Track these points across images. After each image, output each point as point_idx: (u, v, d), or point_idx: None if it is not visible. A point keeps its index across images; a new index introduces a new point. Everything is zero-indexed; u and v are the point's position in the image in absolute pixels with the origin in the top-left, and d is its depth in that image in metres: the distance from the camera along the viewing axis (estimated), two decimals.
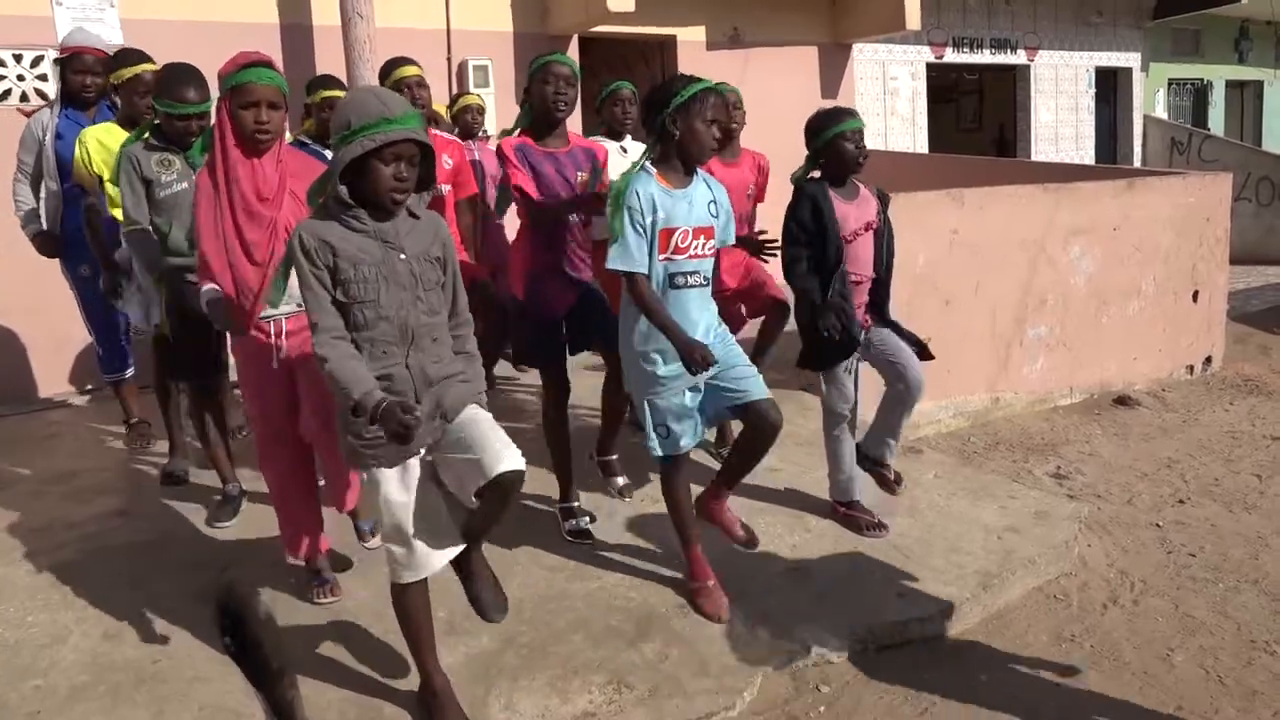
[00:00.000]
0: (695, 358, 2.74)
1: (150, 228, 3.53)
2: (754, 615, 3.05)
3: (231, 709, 2.57)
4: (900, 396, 3.61)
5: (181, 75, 3.43)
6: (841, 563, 3.42)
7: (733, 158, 4.13)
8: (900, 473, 3.79)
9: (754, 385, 2.94)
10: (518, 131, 3.51)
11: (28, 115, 4.63)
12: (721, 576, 3.16)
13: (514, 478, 2.26)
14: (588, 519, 3.59)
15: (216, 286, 2.92)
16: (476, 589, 2.53)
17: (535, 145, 3.42)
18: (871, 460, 3.72)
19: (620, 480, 3.83)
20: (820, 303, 3.39)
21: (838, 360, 3.56)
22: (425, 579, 2.45)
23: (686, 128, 2.86)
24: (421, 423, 2.17)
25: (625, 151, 3.98)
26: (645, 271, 2.87)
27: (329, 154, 3.80)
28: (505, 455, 2.25)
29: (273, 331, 2.95)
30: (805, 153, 3.56)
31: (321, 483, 3.23)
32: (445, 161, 3.89)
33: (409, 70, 3.96)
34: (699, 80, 2.90)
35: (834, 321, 3.36)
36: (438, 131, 4.15)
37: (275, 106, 2.86)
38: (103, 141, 4.05)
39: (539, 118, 3.44)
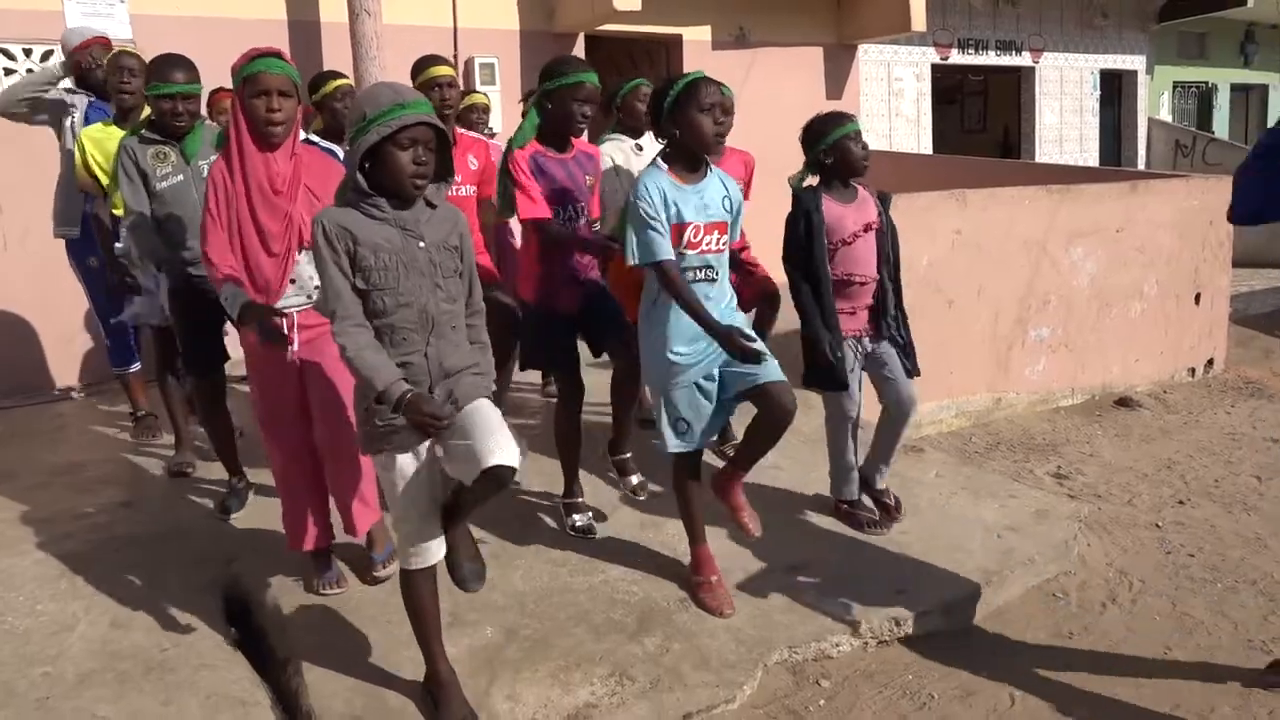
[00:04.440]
0: (734, 339, 2.76)
1: (149, 216, 3.56)
2: (755, 611, 3.08)
3: (238, 697, 2.60)
4: (891, 415, 3.66)
5: (170, 59, 3.53)
6: (842, 559, 3.44)
7: (719, 157, 4.12)
8: (900, 499, 3.80)
9: (767, 368, 2.91)
10: (531, 140, 3.43)
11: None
12: (723, 572, 3.19)
13: (506, 472, 2.25)
14: (591, 515, 3.61)
15: (236, 286, 2.87)
16: (456, 558, 2.51)
17: (547, 155, 3.38)
18: (866, 484, 3.76)
19: (634, 479, 3.80)
20: (820, 340, 3.45)
21: (829, 387, 3.58)
22: (434, 567, 2.48)
23: (685, 121, 2.88)
24: (447, 422, 2.22)
25: (641, 149, 3.98)
26: (672, 257, 2.87)
27: (338, 150, 3.83)
28: (500, 448, 2.24)
29: (285, 325, 2.97)
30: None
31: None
32: (471, 162, 3.90)
33: (441, 70, 3.93)
34: (690, 74, 2.93)
35: (827, 359, 3.43)
36: (465, 131, 4.17)
37: (286, 95, 2.87)
38: (98, 141, 4.09)
39: (556, 129, 3.38)
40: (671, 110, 2.89)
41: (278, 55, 2.90)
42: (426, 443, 2.39)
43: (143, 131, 3.61)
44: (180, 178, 3.56)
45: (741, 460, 3.09)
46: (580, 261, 3.47)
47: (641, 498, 3.74)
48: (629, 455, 3.84)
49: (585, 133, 3.52)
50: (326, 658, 2.75)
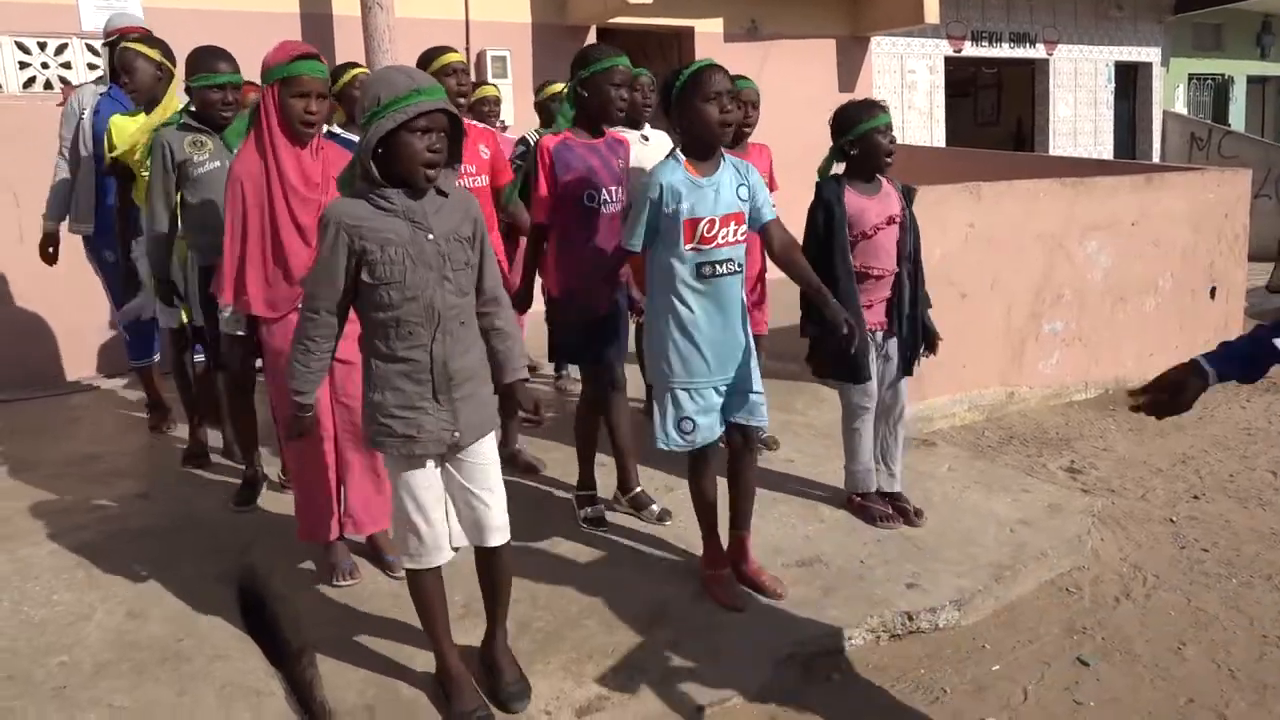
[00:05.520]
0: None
1: (165, 235, 3.68)
2: (766, 604, 3.07)
3: (253, 687, 2.62)
4: (883, 414, 3.68)
5: (212, 50, 3.58)
6: (854, 553, 3.44)
7: (741, 151, 4.10)
8: (920, 508, 3.75)
9: (752, 407, 3.00)
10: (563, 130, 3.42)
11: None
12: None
13: (501, 551, 2.50)
14: (603, 506, 3.61)
15: (235, 314, 3.08)
16: (499, 681, 2.56)
17: (576, 141, 3.37)
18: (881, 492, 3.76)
19: (656, 508, 3.62)
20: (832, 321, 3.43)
21: (848, 379, 3.57)
22: (439, 565, 2.48)
23: (691, 111, 2.86)
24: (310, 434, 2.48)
25: (646, 140, 3.97)
26: (637, 249, 2.95)
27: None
28: (494, 531, 2.47)
29: None
30: (822, 145, 3.56)
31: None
32: (482, 151, 3.90)
33: (453, 56, 3.92)
34: (698, 62, 2.91)
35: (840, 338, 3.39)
36: (474, 121, 4.16)
37: (323, 97, 2.96)
38: (122, 129, 4.11)
39: (594, 116, 3.38)
40: (678, 100, 2.88)
41: (317, 57, 2.96)
42: (432, 462, 2.41)
43: (183, 120, 3.64)
44: (217, 164, 3.58)
45: (741, 521, 3.14)
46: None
47: (668, 523, 3.57)
48: (640, 489, 3.68)
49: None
50: (340, 649, 2.76)
